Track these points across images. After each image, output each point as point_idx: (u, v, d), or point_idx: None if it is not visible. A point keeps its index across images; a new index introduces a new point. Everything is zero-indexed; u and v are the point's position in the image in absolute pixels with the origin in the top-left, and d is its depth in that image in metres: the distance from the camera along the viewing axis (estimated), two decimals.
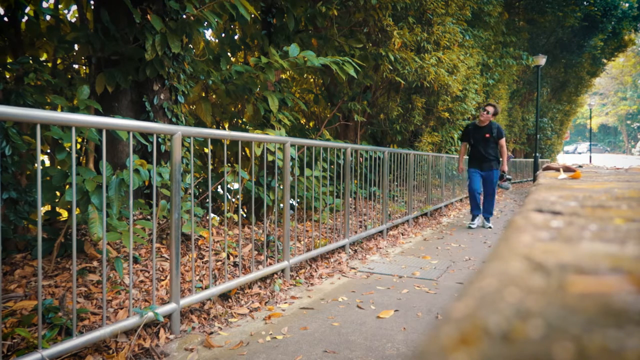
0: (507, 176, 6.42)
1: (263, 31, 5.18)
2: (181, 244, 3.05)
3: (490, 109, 6.29)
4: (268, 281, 3.41)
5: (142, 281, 2.93)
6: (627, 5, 17.84)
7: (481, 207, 6.65)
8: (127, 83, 3.64)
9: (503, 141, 6.34)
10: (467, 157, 6.85)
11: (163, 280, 2.96)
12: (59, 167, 3.19)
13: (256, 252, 3.79)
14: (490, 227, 6.59)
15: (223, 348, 2.37)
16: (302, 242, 4.13)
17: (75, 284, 2.02)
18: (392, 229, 6.00)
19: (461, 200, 9.93)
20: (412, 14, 6.67)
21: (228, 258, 3.50)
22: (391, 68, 6.36)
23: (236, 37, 5.84)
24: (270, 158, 4.11)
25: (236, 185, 3.98)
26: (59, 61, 4.11)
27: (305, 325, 2.69)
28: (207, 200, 4.04)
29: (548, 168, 1.87)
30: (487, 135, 6.27)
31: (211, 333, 2.54)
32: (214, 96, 5.39)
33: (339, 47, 6.06)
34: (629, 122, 53.70)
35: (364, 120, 7.48)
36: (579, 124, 58.72)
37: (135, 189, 2.80)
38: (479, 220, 6.75)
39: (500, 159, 6.43)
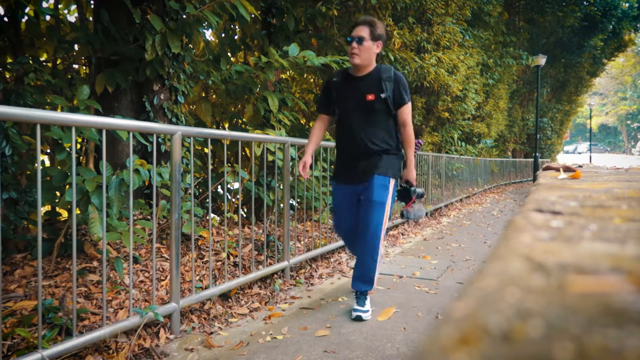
0: (419, 190, 2.98)
1: (263, 31, 5.18)
2: (181, 244, 3.05)
3: (364, 31, 2.71)
4: (268, 281, 3.42)
5: (142, 281, 2.93)
6: (627, 5, 17.86)
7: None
8: (127, 83, 3.64)
9: (408, 111, 2.83)
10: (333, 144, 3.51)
11: (163, 280, 2.96)
12: (59, 167, 3.19)
13: (256, 252, 3.79)
14: (359, 317, 2.73)
15: (223, 348, 2.37)
16: (302, 242, 4.13)
17: (75, 284, 2.02)
18: (392, 229, 6.00)
19: (461, 200, 9.92)
20: (412, 14, 6.67)
21: (228, 258, 3.50)
22: None
23: (236, 37, 5.84)
24: (270, 158, 4.11)
25: (236, 185, 3.98)
26: (59, 61, 4.11)
27: (305, 325, 2.69)
28: (207, 200, 4.04)
29: (548, 168, 1.87)
30: (371, 97, 2.77)
31: (211, 333, 2.54)
32: (214, 96, 5.39)
33: (339, 47, 6.05)
34: (629, 122, 53.72)
35: None
36: (579, 124, 58.73)
37: (135, 189, 2.80)
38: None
39: (402, 153, 2.95)
